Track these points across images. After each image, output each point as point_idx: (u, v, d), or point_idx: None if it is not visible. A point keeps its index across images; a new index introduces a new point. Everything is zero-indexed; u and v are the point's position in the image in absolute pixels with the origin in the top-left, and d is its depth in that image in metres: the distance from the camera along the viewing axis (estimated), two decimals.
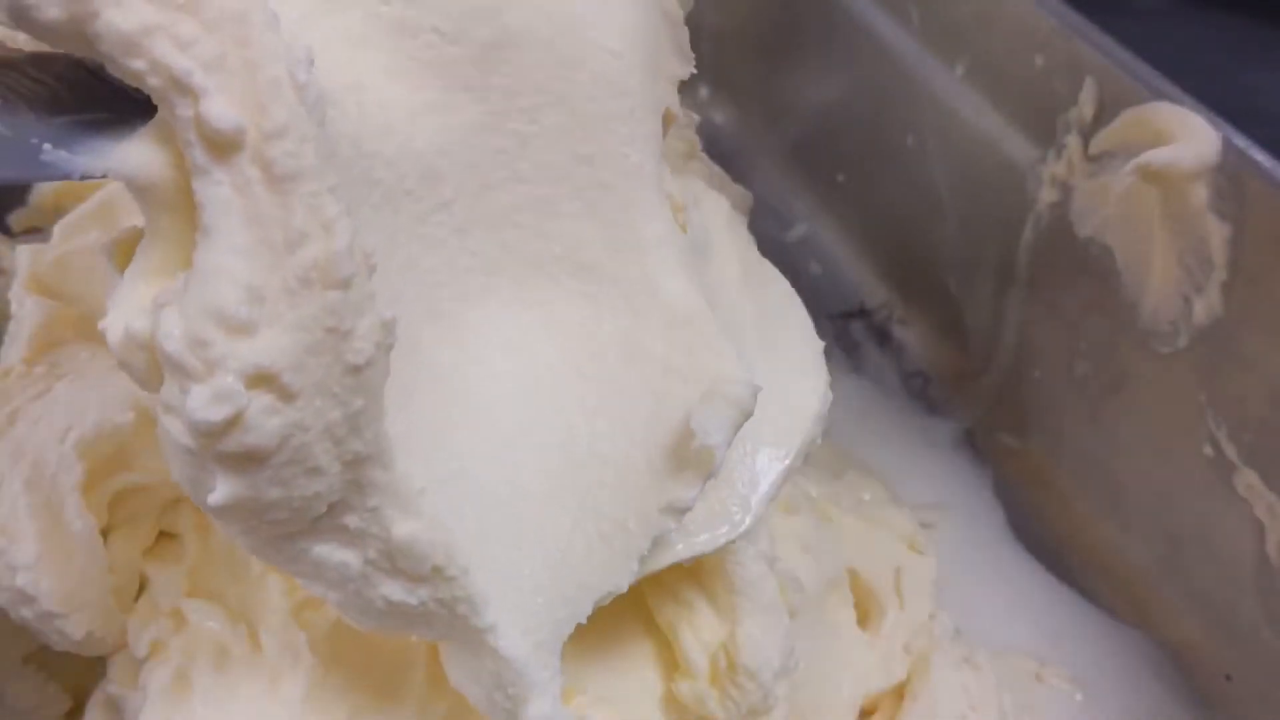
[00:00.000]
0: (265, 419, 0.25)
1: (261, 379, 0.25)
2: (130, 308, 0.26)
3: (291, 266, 0.25)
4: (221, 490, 0.26)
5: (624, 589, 0.34)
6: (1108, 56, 0.54)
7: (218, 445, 0.25)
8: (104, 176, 0.27)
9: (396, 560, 0.29)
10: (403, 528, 0.28)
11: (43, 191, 0.55)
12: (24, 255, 0.44)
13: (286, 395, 0.25)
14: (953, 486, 0.62)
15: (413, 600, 0.30)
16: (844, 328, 0.72)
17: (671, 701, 0.40)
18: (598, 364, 0.35)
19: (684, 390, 0.35)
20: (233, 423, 0.24)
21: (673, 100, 0.38)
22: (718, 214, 0.44)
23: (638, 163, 0.36)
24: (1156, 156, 0.50)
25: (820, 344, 0.42)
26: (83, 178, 0.27)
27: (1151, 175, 0.51)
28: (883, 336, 0.72)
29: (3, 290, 0.46)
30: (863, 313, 0.73)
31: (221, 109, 0.24)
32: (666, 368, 0.36)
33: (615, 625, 0.40)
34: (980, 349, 0.66)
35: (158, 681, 0.34)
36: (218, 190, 0.24)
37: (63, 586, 0.36)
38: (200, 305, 0.24)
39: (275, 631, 0.35)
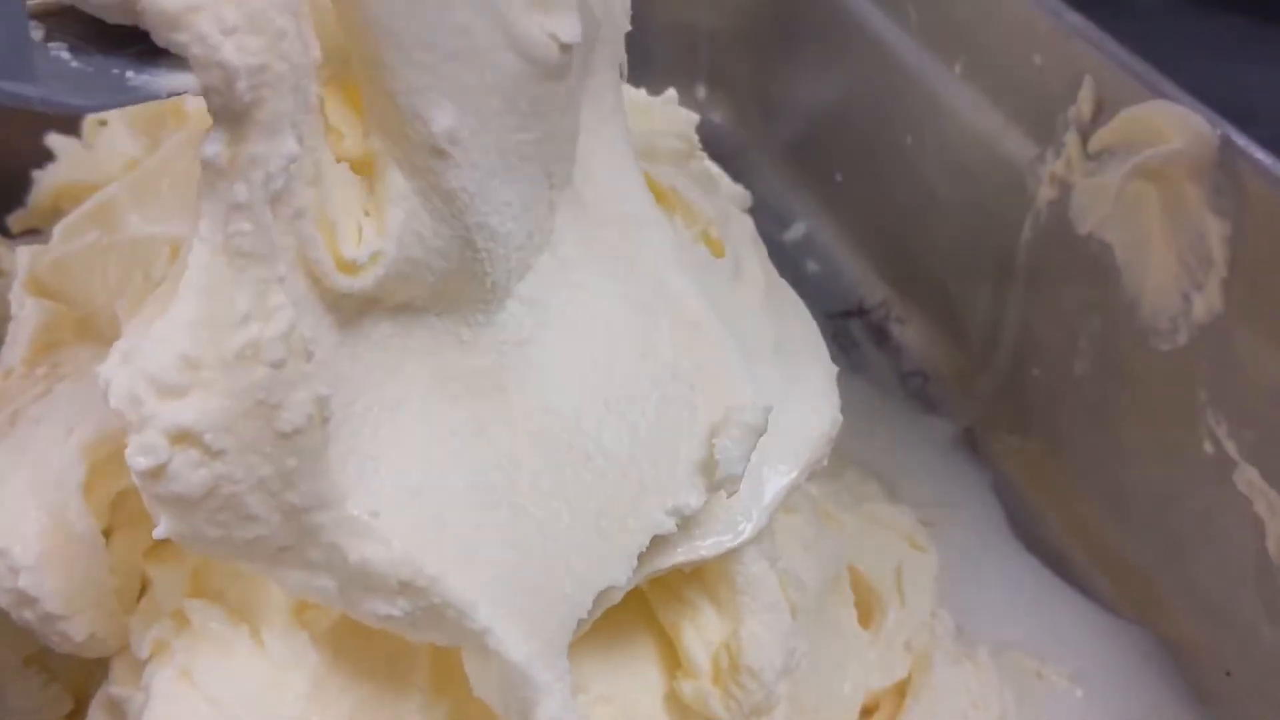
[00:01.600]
0: (190, 471, 0.28)
1: (184, 437, 0.28)
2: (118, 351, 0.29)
3: (231, 343, 0.28)
4: (163, 525, 0.29)
5: (621, 583, 0.35)
6: (1106, 55, 0.54)
7: (152, 488, 0.28)
8: (185, 93, 0.29)
9: (364, 580, 0.31)
10: (357, 553, 0.30)
11: (42, 192, 0.55)
12: (24, 256, 0.44)
13: (211, 452, 0.28)
14: (952, 485, 0.61)
15: (397, 611, 0.31)
16: (842, 326, 0.72)
17: (674, 700, 0.40)
18: (611, 356, 0.36)
19: (690, 396, 0.36)
20: (158, 472, 0.28)
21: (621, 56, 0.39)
22: (744, 233, 0.45)
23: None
24: (1155, 154, 0.50)
25: (834, 369, 0.43)
26: (169, 95, 0.29)
27: (1150, 173, 0.51)
28: (881, 335, 0.72)
29: (2, 291, 0.46)
30: (861, 311, 0.73)
31: (211, 142, 0.27)
32: (675, 372, 0.36)
33: (618, 624, 0.40)
34: (979, 347, 0.66)
35: (160, 682, 0.34)
36: (199, 249, 0.28)
37: (65, 588, 0.36)
38: (141, 367, 0.28)
39: (277, 631, 0.35)
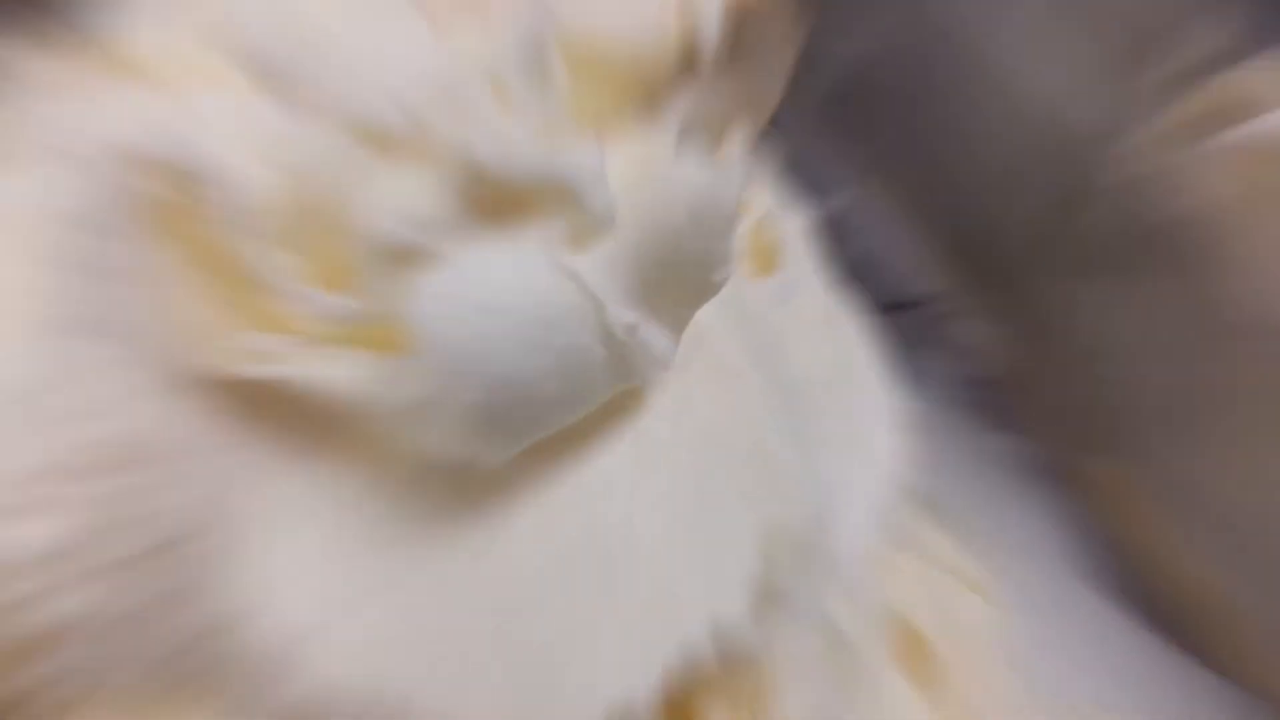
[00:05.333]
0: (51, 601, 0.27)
1: (40, 562, 0.27)
2: None
3: (73, 452, 0.27)
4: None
5: (638, 699, 0.32)
6: (1204, 7, 0.51)
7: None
8: None
9: (317, 713, 0.29)
10: (290, 690, 0.28)
11: None
12: None
13: (70, 577, 0.27)
14: (1023, 518, 0.58)
15: None
16: (888, 324, 0.64)
17: None
18: (638, 431, 0.34)
19: (729, 481, 0.35)
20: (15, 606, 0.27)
21: None
22: (795, 235, 0.44)
23: None
24: (1259, 125, 0.49)
25: (900, 406, 0.42)
26: None
27: (1253, 147, 0.49)
28: (935, 336, 0.67)
29: None
30: (911, 305, 0.68)
31: None
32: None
33: None
34: (1054, 352, 0.62)
35: None
36: None
37: None
38: None
39: None
